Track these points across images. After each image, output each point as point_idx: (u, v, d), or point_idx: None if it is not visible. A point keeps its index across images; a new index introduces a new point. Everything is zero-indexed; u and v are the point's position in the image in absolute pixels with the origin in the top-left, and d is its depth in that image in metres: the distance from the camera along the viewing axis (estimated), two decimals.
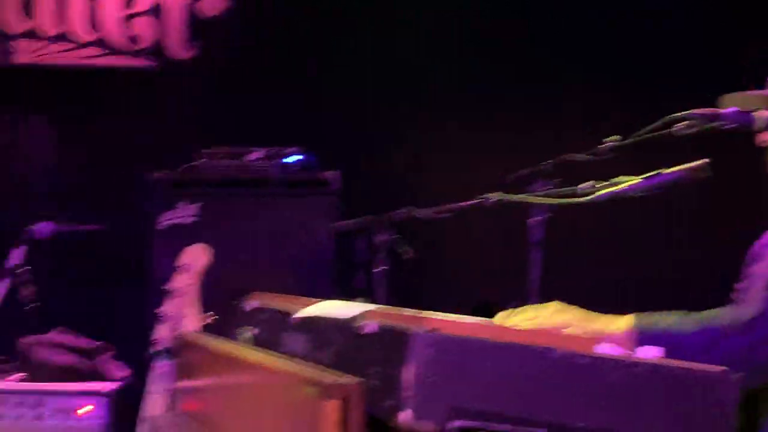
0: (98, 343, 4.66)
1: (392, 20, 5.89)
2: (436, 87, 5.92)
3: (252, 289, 3.43)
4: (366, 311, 2.11)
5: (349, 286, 4.56)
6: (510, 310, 2.34)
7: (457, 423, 1.62)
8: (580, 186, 2.47)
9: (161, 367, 3.50)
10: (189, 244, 3.76)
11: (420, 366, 1.65)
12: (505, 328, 2.20)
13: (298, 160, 4.96)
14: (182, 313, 3.52)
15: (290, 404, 1.97)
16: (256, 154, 5.02)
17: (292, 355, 2.44)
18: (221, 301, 3.58)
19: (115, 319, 5.36)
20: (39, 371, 4.48)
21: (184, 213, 4.85)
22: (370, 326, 1.94)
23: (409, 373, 1.65)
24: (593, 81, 5.83)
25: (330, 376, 1.86)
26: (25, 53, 5.89)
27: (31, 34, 5.88)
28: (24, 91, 5.98)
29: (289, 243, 4.79)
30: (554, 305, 2.33)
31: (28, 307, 4.77)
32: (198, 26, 5.93)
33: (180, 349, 3.35)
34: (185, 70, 5.94)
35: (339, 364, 2.02)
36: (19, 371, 4.54)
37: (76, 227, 5.17)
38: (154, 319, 3.69)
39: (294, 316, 2.57)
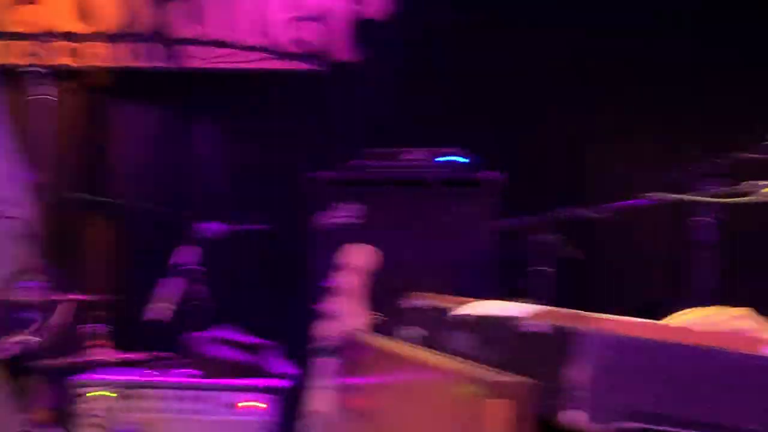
0: (263, 340, 4.71)
1: (553, 18, 5.82)
2: (597, 85, 5.82)
3: (413, 288, 3.44)
4: (532, 310, 2.09)
5: (510, 287, 4.52)
6: (682, 312, 2.28)
7: (632, 425, 1.59)
8: (746, 184, 2.40)
9: (325, 364, 3.53)
10: (351, 243, 3.79)
11: (594, 367, 1.62)
12: (678, 328, 2.14)
13: (459, 160, 4.94)
14: (346, 312, 3.55)
15: (456, 403, 1.96)
16: (417, 155, 5.02)
17: (455, 353, 2.43)
18: (382, 300, 3.61)
19: (280, 317, 5.43)
20: (210, 367, 4.56)
21: (346, 213, 4.88)
22: (538, 325, 1.92)
23: (581, 374, 1.62)
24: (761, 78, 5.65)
25: (497, 375, 1.85)
26: (194, 58, 6.03)
27: (200, 40, 6.01)
28: (193, 95, 6.12)
29: (450, 243, 4.76)
30: (738, 311, 2.26)
31: (197, 305, 4.88)
32: (362, 29, 5.97)
33: (344, 346, 3.38)
34: (350, 72, 5.98)
35: (504, 362, 2.00)
36: (191, 367, 4.65)
37: (243, 227, 5.27)
38: (318, 317, 3.73)
39: (458, 315, 2.56)
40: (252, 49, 6.00)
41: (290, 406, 4.48)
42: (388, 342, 2.94)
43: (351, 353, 3.27)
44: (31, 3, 6.03)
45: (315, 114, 5.94)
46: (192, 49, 6.03)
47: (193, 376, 4.58)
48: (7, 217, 2.18)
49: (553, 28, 5.77)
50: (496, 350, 2.18)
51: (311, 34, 5.97)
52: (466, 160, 4.96)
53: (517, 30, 5.79)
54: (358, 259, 3.63)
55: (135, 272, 5.92)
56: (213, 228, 5.05)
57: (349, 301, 3.55)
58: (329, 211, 4.87)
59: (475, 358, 2.25)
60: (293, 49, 5.98)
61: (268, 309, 5.51)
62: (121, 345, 4.85)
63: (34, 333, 4.51)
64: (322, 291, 3.76)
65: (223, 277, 5.32)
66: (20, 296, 4.59)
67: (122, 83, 6.18)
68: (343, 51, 5.99)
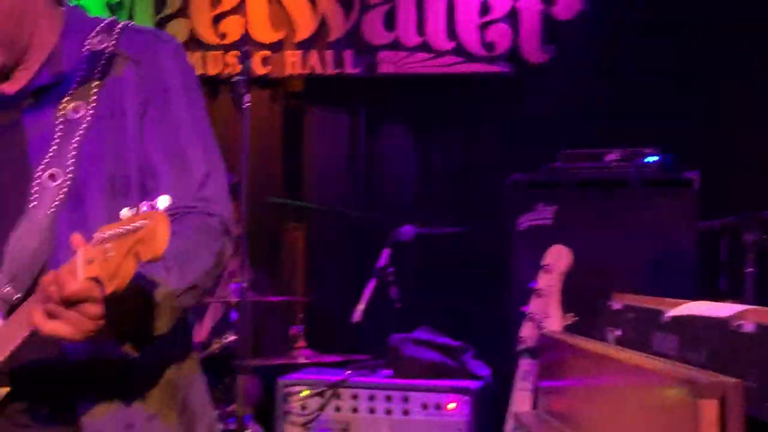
0: (460, 342, 4.74)
1: (743, 15, 5.67)
2: None
3: (612, 289, 3.42)
4: (742, 311, 2.06)
5: (713, 288, 4.45)
6: None
7: None
8: None
9: (526, 365, 3.54)
10: (548, 245, 3.79)
11: None
12: None
13: (657, 160, 4.87)
14: (546, 313, 3.55)
15: (664, 404, 1.96)
16: (613, 155, 4.98)
17: (661, 354, 2.41)
18: (581, 301, 3.60)
19: (476, 319, 5.46)
20: (406, 368, 4.61)
21: (543, 214, 4.87)
22: (745, 325, 1.89)
23: None
24: None
25: (706, 376, 1.83)
26: (386, 63, 6.10)
27: (394, 46, 6.09)
28: (388, 100, 6.21)
29: (649, 244, 4.70)
30: None
31: (394, 307, 4.95)
32: (552, 29, 5.95)
33: (545, 348, 3.39)
34: (541, 73, 5.97)
35: (713, 363, 1.98)
36: (387, 368, 4.71)
37: (437, 230, 5.32)
38: (515, 319, 3.74)
39: (665, 316, 2.54)
40: (443, 53, 6.04)
41: (487, 408, 4.51)
42: (590, 343, 2.94)
43: (552, 355, 3.27)
44: (230, 14, 6.24)
45: (508, 116, 5.95)
46: (384, 54, 6.11)
47: (391, 377, 4.63)
48: (209, 214, 2.24)
49: (744, 25, 5.64)
50: (702, 351, 2.16)
51: (501, 37, 5.98)
52: (665, 160, 4.88)
53: (708, 28, 5.68)
54: (558, 260, 3.63)
55: (330, 274, 6.07)
56: (408, 231, 5.11)
57: (549, 302, 3.55)
58: (527, 213, 4.88)
59: (680, 359, 2.23)
60: (484, 52, 6.00)
61: (464, 311, 5.55)
62: (317, 346, 4.93)
63: (236, 333, 4.64)
64: (522, 293, 3.77)
65: (417, 279, 5.38)
66: (226, 298, 4.73)
67: (315, 90, 6.33)
68: (534, 52, 5.98)
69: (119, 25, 2.44)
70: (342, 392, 4.55)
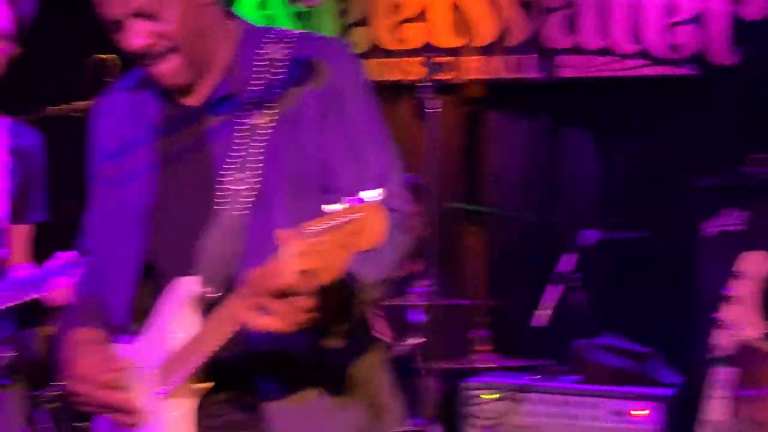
0: (647, 348, 4.70)
1: None
2: None
3: None
4: None
5: None
6: None
7: None
8: None
9: (720, 373, 3.49)
10: (737, 250, 3.73)
11: None
12: None
13: None
14: (741, 321, 3.49)
15: None
16: None
17: None
18: None
19: (663, 324, 5.40)
20: (593, 374, 4.60)
21: (731, 219, 4.80)
22: None
23: None
24: None
25: None
26: (568, 67, 6.10)
27: (575, 50, 6.08)
28: (569, 104, 6.20)
29: None
30: None
31: (578, 312, 4.93)
32: (741, 30, 5.84)
33: (744, 356, 3.33)
34: (729, 76, 5.86)
35: None
36: (573, 373, 4.70)
37: (621, 234, 5.29)
38: (706, 326, 3.68)
39: None
40: (628, 56, 6.00)
41: (677, 415, 4.46)
42: None
43: (753, 363, 3.22)
44: (412, 21, 6.32)
45: (693, 120, 5.87)
46: (566, 58, 6.11)
47: (577, 382, 4.62)
48: (391, 209, 2.30)
49: None
50: None
51: (688, 38, 5.90)
52: None
53: None
54: (752, 266, 3.56)
55: (512, 279, 6.08)
56: (591, 235, 5.10)
57: (746, 310, 3.49)
58: (713, 218, 4.81)
59: None
60: (670, 54, 5.93)
61: (650, 316, 5.50)
62: (501, 350, 4.96)
63: (420, 335, 4.71)
64: (707, 299, 3.72)
65: (601, 284, 5.35)
66: (410, 300, 4.79)
67: (496, 95, 6.36)
68: (721, 54, 5.87)
69: (292, 34, 2.54)
70: (528, 396, 4.56)
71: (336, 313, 2.18)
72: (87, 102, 4.72)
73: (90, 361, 2.47)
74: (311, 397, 2.41)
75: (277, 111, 2.42)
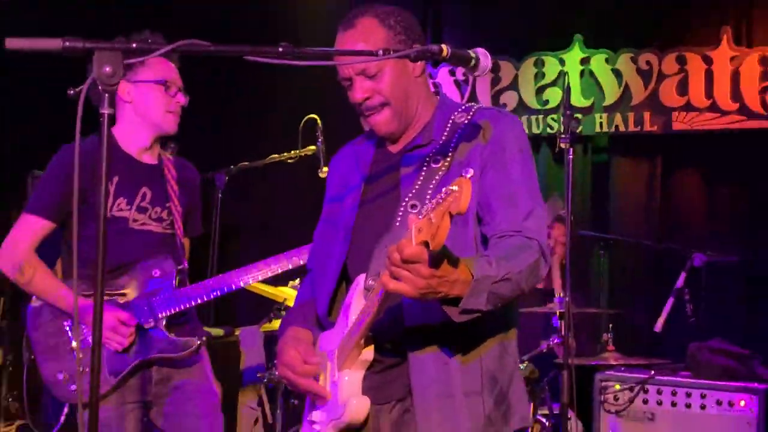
0: (749, 351, 4.67)
1: None
2: None
3: None
4: None
5: None
6: None
7: None
8: None
9: None
10: None
11: None
12: None
13: None
14: None
15: None
16: None
17: None
18: None
19: (760, 331, 5.36)
20: (704, 370, 4.58)
21: None
22: None
23: None
24: None
25: None
26: (681, 122, 6.11)
27: (686, 107, 6.10)
28: (681, 152, 6.21)
29: None
30: None
31: (691, 320, 4.94)
32: None
33: None
34: None
35: None
36: (686, 370, 4.68)
37: (724, 258, 5.27)
38: None
39: None
40: (728, 113, 5.99)
41: None
42: None
43: None
44: (551, 86, 6.41)
45: None
46: (677, 114, 6.11)
47: (690, 377, 4.61)
48: (528, 237, 2.40)
49: None
50: None
51: None
52: None
53: None
54: None
55: (632, 292, 6.08)
56: (698, 258, 5.10)
57: None
58: None
59: None
60: (764, 111, 5.90)
61: (749, 325, 5.47)
62: (623, 351, 4.96)
63: (560, 336, 4.72)
64: None
65: (710, 298, 5.32)
66: (552, 308, 4.84)
67: (619, 144, 6.39)
68: None
69: (475, 107, 2.64)
70: (649, 388, 4.54)
71: (456, 290, 2.19)
72: (303, 151, 4.95)
73: (294, 354, 2.55)
74: (448, 377, 2.41)
75: (450, 159, 2.53)
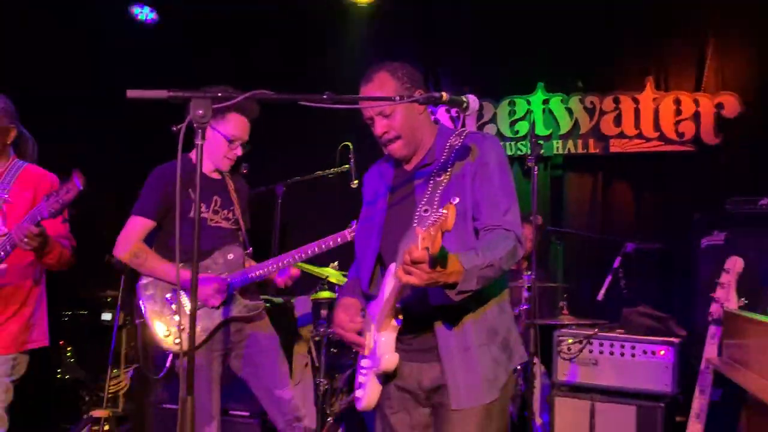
0: (666, 314, 4.64)
1: None
2: None
3: None
4: None
5: None
6: None
7: None
8: None
9: (713, 330, 3.46)
10: (722, 257, 3.66)
11: None
12: None
13: None
14: (726, 298, 3.45)
15: None
16: (765, 201, 4.72)
17: None
18: (747, 291, 3.48)
19: (675, 299, 5.31)
20: (633, 328, 4.55)
21: (717, 238, 4.70)
22: None
23: None
24: None
25: None
26: (616, 146, 6.06)
27: (620, 135, 6.04)
28: (616, 169, 6.09)
29: None
30: None
31: (624, 292, 4.91)
32: (721, 123, 5.72)
33: (727, 319, 3.31)
34: (714, 151, 5.76)
35: None
36: (621, 328, 4.64)
37: (648, 245, 5.23)
38: (703, 302, 3.63)
39: None
40: (651, 139, 5.94)
41: (684, 355, 4.40)
42: (755, 315, 2.86)
43: (731, 323, 3.17)
44: (520, 120, 6.36)
45: (693, 177, 5.76)
46: (614, 141, 6.07)
47: (623, 334, 4.58)
48: (506, 230, 2.41)
49: None
50: None
51: (688, 129, 5.82)
52: None
53: None
54: (734, 265, 3.49)
55: (581, 271, 6.02)
56: (630, 246, 5.07)
57: (729, 292, 3.44)
58: (706, 237, 4.71)
59: None
60: (676, 138, 5.85)
61: (667, 295, 5.43)
62: (575, 314, 4.93)
63: (527, 303, 4.67)
64: (708, 285, 3.63)
65: (638, 275, 5.27)
66: (521, 283, 4.80)
67: (571, 162, 6.31)
68: (708, 138, 5.77)
69: (465, 131, 2.65)
70: (594, 341, 4.51)
71: (454, 279, 2.22)
72: (339, 168, 4.96)
73: (343, 317, 2.60)
74: (464, 334, 2.44)
75: (450, 173, 2.55)
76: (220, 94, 2.19)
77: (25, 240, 3.05)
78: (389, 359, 2.48)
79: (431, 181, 2.55)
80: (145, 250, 3.58)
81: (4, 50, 5.92)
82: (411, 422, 2.56)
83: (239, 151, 3.71)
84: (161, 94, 2.12)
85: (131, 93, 2.10)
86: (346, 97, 2.31)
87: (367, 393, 2.59)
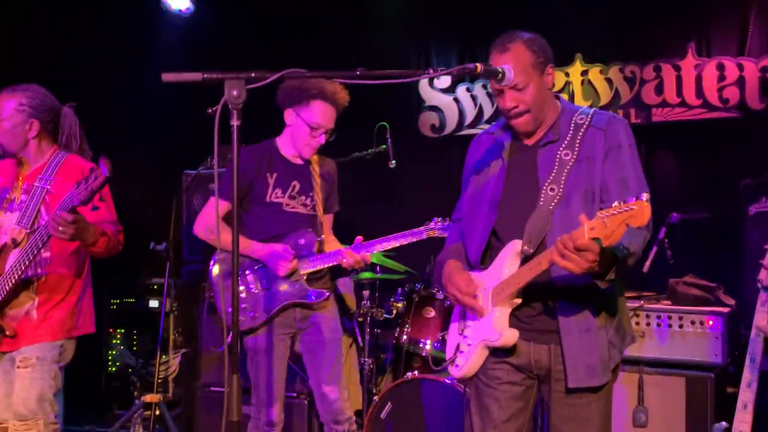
0: (714, 283, 4.56)
1: None
2: None
3: None
4: None
5: None
6: None
7: None
8: None
9: (764, 297, 3.40)
10: None
11: None
12: None
13: None
14: None
15: None
16: None
17: None
18: None
19: (723, 267, 5.21)
20: (681, 299, 4.49)
21: (766, 204, 4.61)
22: None
23: None
24: None
25: None
26: (658, 116, 5.94)
27: (662, 104, 5.92)
28: (659, 138, 5.97)
29: None
30: None
31: (670, 262, 4.83)
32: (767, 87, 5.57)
33: None
34: (761, 116, 5.60)
35: None
36: (667, 299, 4.58)
37: (694, 215, 5.14)
38: (753, 268, 3.56)
39: None
40: (694, 107, 5.82)
41: (734, 324, 4.33)
42: None
43: None
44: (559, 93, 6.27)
45: (738, 143, 5.62)
46: (656, 110, 5.95)
47: (670, 305, 4.51)
48: None
49: None
50: None
51: (733, 94, 5.67)
52: None
53: None
54: None
55: None
56: (675, 216, 4.99)
57: None
58: (754, 204, 4.62)
59: None
60: (721, 104, 5.71)
61: (716, 264, 5.34)
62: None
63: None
64: (756, 251, 3.57)
65: (684, 245, 5.18)
66: None
67: None
68: (754, 103, 5.63)
69: (591, 111, 2.63)
70: (641, 313, 4.45)
71: (608, 266, 2.27)
72: (376, 150, 4.96)
73: (460, 279, 2.61)
74: (585, 316, 2.46)
75: (578, 152, 2.53)
76: (253, 75, 2.19)
77: (60, 229, 3.11)
78: (509, 336, 2.51)
79: (557, 160, 2.52)
80: (222, 227, 3.65)
81: (44, 42, 6.03)
82: (515, 395, 2.62)
83: (322, 140, 3.75)
84: (195, 76, 2.14)
85: (166, 77, 2.12)
86: (379, 73, 2.30)
87: (470, 362, 2.62)
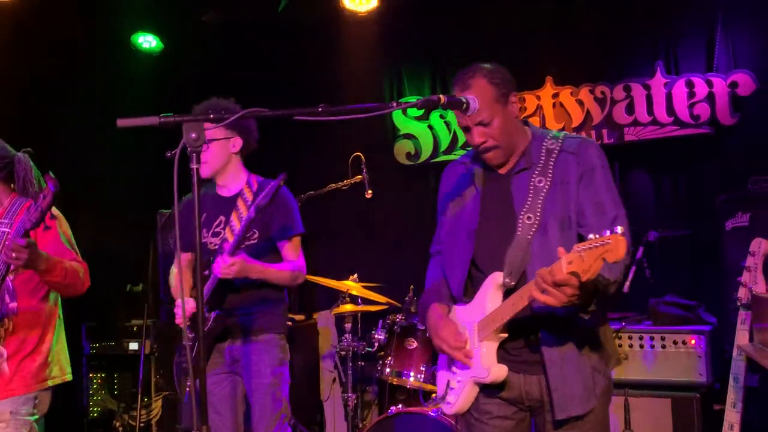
0: (693, 302, 4.54)
1: None
2: None
3: None
4: None
5: None
6: None
7: None
8: None
9: (743, 315, 3.36)
10: (747, 239, 3.56)
11: None
12: None
13: None
14: (754, 281, 3.34)
15: None
16: None
17: None
18: None
19: (703, 286, 5.18)
20: (661, 319, 4.48)
21: (742, 219, 4.59)
22: None
23: None
24: None
25: None
26: (630, 135, 5.94)
27: (633, 123, 5.92)
28: (632, 156, 5.97)
29: None
30: None
31: (649, 282, 4.78)
32: (737, 102, 5.58)
33: (756, 303, 3.22)
34: (733, 131, 5.59)
35: None
36: (648, 319, 4.56)
37: (672, 232, 5.12)
38: (730, 286, 3.53)
39: None
40: (665, 125, 5.82)
41: (716, 343, 4.29)
42: None
43: (760, 307, 3.10)
44: (531, 117, 6.27)
45: (711, 159, 5.63)
46: (627, 129, 5.96)
47: (651, 325, 4.50)
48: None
49: None
50: None
51: (704, 110, 5.68)
52: None
53: None
54: (757, 247, 3.39)
55: None
56: (653, 234, 4.95)
57: (756, 274, 3.33)
58: (731, 219, 4.60)
59: None
60: (692, 121, 5.72)
61: (695, 282, 5.30)
62: None
63: None
64: (735, 269, 3.54)
65: (662, 264, 5.17)
66: None
67: None
68: (724, 119, 5.64)
69: (562, 135, 2.59)
70: (622, 335, 4.45)
71: (588, 298, 2.23)
72: (352, 180, 4.91)
73: (446, 332, 2.56)
74: (571, 345, 2.44)
75: (552, 178, 2.50)
76: (212, 116, 2.14)
77: (14, 255, 3.02)
78: (497, 372, 2.49)
79: (531, 187, 2.50)
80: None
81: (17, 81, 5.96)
82: (506, 429, 2.59)
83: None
84: (152, 120, 2.08)
85: (122, 122, 2.06)
86: (341, 108, 2.26)
87: (461, 399, 2.59)
